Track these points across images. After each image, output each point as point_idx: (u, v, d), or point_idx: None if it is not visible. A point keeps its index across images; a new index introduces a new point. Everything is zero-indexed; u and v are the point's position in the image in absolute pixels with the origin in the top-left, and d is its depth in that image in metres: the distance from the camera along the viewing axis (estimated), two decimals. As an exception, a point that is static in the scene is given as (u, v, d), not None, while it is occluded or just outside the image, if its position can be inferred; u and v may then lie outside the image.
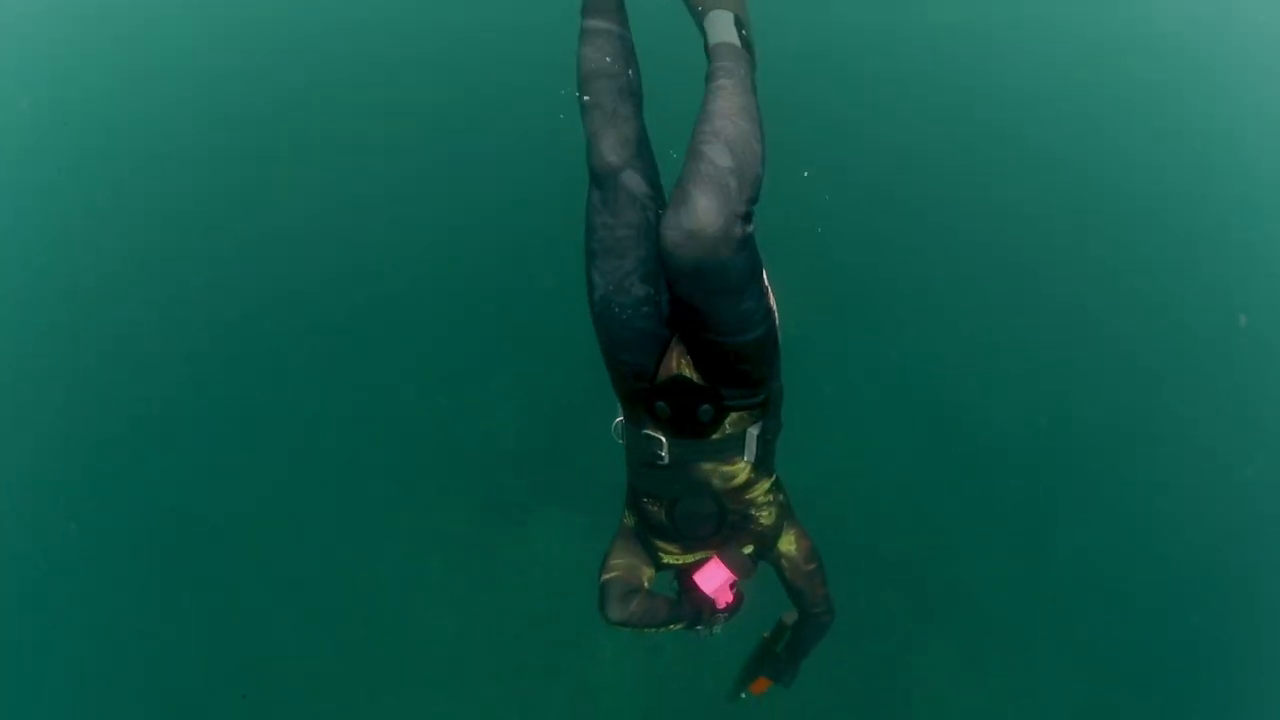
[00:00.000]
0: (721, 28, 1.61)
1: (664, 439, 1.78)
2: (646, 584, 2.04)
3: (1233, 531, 6.27)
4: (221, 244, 7.06)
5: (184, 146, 7.92)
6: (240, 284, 6.81)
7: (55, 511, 5.80)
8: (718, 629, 2.09)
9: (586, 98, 1.71)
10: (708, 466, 1.83)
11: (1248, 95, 10.84)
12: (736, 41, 1.60)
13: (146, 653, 5.15)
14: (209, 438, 5.92)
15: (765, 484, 1.94)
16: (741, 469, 1.84)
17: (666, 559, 2.05)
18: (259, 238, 7.02)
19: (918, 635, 5.31)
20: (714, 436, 1.76)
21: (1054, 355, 6.95)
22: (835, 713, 4.95)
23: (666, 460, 1.80)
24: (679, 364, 1.68)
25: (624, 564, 2.03)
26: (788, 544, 2.07)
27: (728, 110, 1.45)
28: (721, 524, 1.92)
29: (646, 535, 2.04)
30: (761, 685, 2.34)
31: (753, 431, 1.79)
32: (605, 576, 2.02)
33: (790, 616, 2.26)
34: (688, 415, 1.71)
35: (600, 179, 1.69)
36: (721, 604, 1.95)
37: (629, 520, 2.11)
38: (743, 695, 2.36)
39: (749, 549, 2.01)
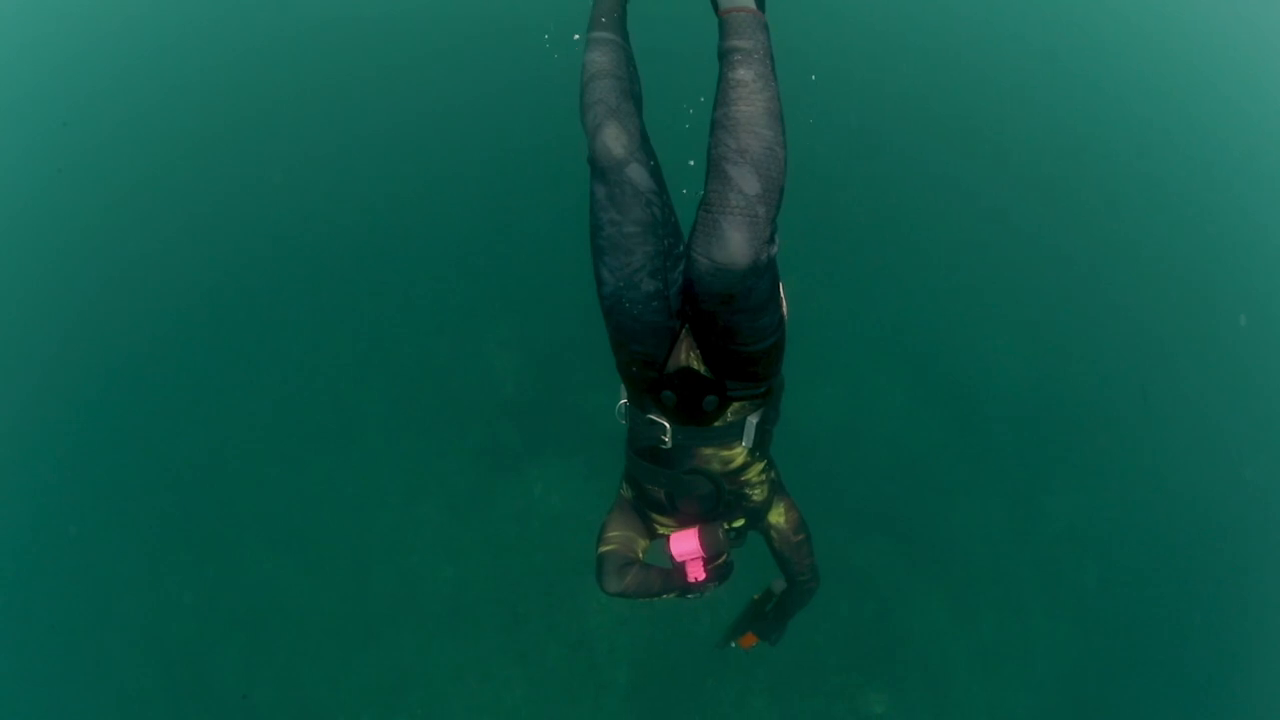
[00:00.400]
0: None
1: (667, 424, 1.84)
2: (641, 555, 2.10)
3: (1221, 495, 6.37)
4: (226, 187, 7.01)
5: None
6: (243, 231, 6.77)
7: (53, 456, 5.84)
8: (708, 596, 2.14)
9: (590, 95, 1.70)
10: (708, 451, 1.89)
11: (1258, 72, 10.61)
12: (751, 3, 1.52)
13: (146, 602, 5.23)
14: (208, 387, 5.92)
15: (760, 465, 2.00)
16: (739, 453, 1.92)
17: (662, 531, 2.11)
18: (263, 186, 6.93)
19: (909, 586, 5.38)
20: (716, 424, 1.83)
21: (1051, 314, 6.91)
22: (828, 660, 5.06)
23: (669, 444, 1.86)
24: (688, 356, 1.70)
25: (620, 536, 2.09)
26: (777, 516, 2.15)
27: (752, 118, 1.45)
28: (718, 503, 1.97)
29: (643, 509, 2.09)
30: (750, 640, 2.43)
31: (752, 420, 1.86)
32: (603, 549, 2.07)
33: (779, 584, 2.35)
34: (693, 404, 1.77)
35: (604, 172, 1.64)
36: (691, 576, 1.99)
37: (626, 493, 2.16)
38: (732, 644, 2.45)
39: (740, 522, 2.07)
